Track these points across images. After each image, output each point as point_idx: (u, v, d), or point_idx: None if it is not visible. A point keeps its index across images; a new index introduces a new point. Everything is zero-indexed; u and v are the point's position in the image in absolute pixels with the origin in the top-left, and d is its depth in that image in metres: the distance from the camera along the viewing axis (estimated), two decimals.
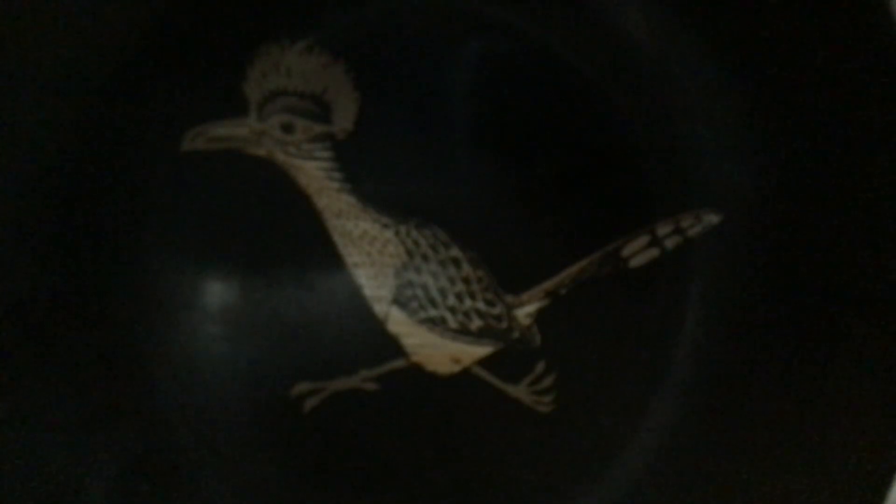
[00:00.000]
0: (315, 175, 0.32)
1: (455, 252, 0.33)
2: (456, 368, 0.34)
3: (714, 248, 0.33)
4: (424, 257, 0.33)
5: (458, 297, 0.33)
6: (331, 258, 0.33)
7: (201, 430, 0.33)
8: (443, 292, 0.33)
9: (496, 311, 0.33)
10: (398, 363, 0.33)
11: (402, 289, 0.33)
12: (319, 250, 0.33)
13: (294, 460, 0.34)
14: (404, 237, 0.33)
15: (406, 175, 0.33)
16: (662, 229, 0.33)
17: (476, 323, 0.33)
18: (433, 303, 0.33)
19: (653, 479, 0.34)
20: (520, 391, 0.34)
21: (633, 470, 0.34)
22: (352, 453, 0.34)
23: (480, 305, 0.33)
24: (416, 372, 0.33)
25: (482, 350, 0.34)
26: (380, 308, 0.33)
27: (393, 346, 0.33)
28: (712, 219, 0.33)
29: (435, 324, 0.33)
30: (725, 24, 0.31)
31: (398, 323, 0.33)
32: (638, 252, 0.33)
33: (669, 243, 0.33)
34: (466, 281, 0.33)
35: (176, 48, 0.31)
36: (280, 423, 0.33)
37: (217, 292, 0.33)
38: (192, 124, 0.32)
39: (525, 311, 0.33)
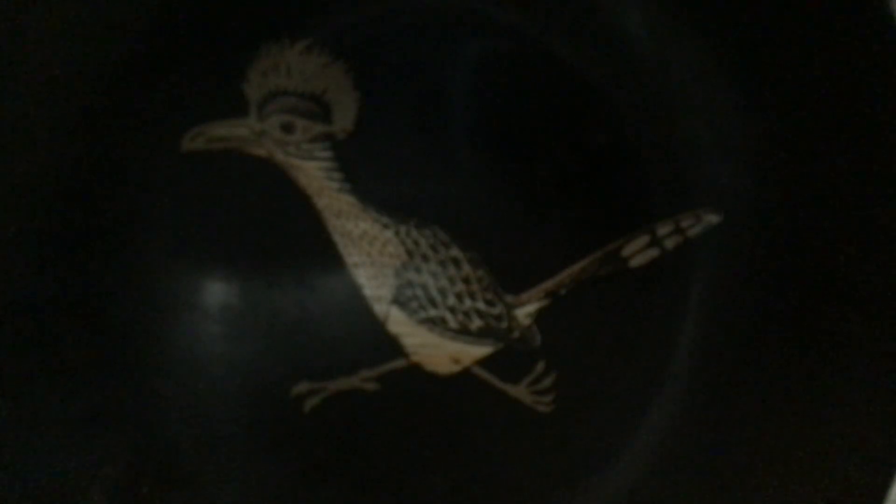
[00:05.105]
0: (315, 175, 0.32)
1: (455, 252, 0.33)
2: (456, 368, 0.34)
3: (714, 248, 0.33)
4: (424, 257, 0.33)
5: (458, 297, 0.33)
6: (331, 258, 0.33)
7: (201, 430, 0.33)
8: (443, 292, 0.33)
9: (496, 311, 0.33)
10: (398, 363, 0.33)
11: (402, 289, 0.33)
12: (319, 250, 0.33)
13: (294, 460, 0.34)
14: (404, 237, 0.33)
15: (406, 175, 0.33)
16: (662, 229, 0.33)
17: (476, 323, 0.33)
18: (433, 303, 0.33)
19: (653, 479, 0.34)
20: (520, 391, 0.34)
21: (633, 470, 0.34)
22: (352, 453, 0.34)
23: (480, 305, 0.33)
24: (416, 372, 0.33)
25: (482, 350, 0.34)
26: (380, 308, 0.33)
27: (393, 346, 0.33)
28: (712, 219, 0.33)
29: (435, 324, 0.33)
30: (725, 24, 0.31)
31: (398, 323, 0.33)
32: (638, 252, 0.33)
33: (669, 243, 0.33)
34: (466, 281, 0.33)
35: (176, 48, 0.31)
36: (280, 423, 0.33)
37: (217, 292, 0.33)
38: (192, 124, 0.32)
39: (525, 311, 0.33)
